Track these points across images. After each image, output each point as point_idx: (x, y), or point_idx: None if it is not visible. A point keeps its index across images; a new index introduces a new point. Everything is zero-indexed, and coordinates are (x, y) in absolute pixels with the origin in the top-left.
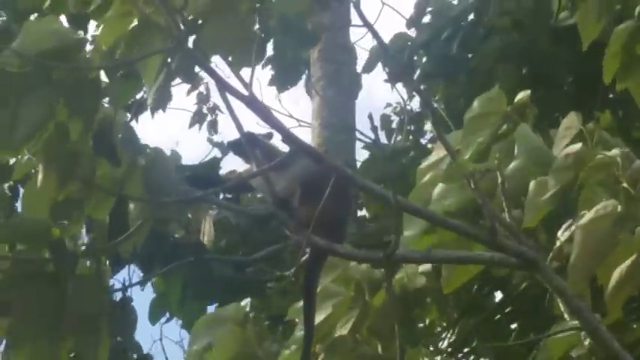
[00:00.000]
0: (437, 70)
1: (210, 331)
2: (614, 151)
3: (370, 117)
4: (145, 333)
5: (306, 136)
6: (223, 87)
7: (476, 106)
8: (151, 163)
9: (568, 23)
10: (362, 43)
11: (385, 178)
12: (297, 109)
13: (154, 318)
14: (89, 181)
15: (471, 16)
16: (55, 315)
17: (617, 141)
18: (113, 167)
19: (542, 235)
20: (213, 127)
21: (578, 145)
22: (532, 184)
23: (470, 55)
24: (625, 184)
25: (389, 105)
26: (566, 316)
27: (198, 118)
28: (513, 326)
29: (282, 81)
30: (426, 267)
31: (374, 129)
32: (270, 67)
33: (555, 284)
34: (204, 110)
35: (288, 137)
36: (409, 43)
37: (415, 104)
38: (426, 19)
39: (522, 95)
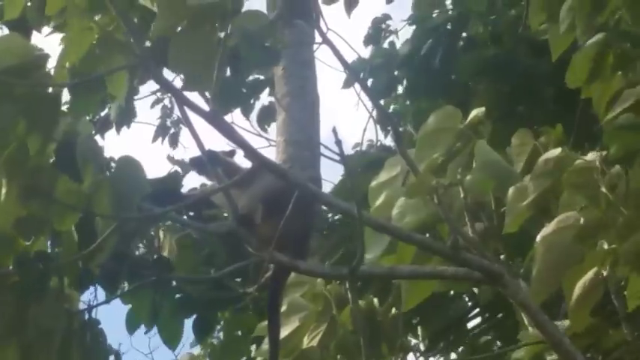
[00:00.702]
0: (420, 86)
1: None
2: (592, 156)
3: (334, 131)
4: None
5: (272, 153)
6: (184, 104)
7: (431, 121)
8: (118, 174)
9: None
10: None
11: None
12: (269, 129)
13: (131, 328)
14: (50, 196)
15: (449, 27)
16: (15, 326)
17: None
18: (75, 182)
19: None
20: (174, 141)
21: (557, 150)
22: (511, 190)
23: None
24: (604, 189)
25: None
26: (530, 328)
27: (161, 132)
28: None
29: (224, 103)
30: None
31: (338, 142)
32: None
33: (519, 298)
34: (168, 124)
35: (251, 153)
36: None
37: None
38: (408, 33)
39: (476, 112)
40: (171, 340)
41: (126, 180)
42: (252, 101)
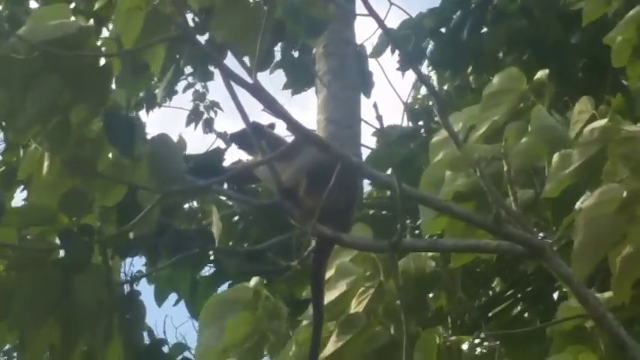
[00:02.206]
0: (445, 58)
1: (221, 312)
2: (638, 126)
3: (375, 106)
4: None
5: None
6: (228, 75)
7: (495, 82)
8: (157, 150)
9: (577, 7)
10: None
11: (393, 164)
12: (299, 110)
13: (160, 299)
14: (93, 169)
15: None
16: (62, 304)
17: (628, 124)
18: (125, 157)
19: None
20: (208, 125)
21: (603, 121)
22: (556, 156)
23: (478, 42)
24: None
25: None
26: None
27: (194, 117)
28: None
29: (296, 83)
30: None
31: (379, 117)
32: (279, 71)
33: (561, 272)
34: (201, 108)
35: (294, 126)
36: (416, 31)
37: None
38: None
39: (541, 74)
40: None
41: (164, 155)
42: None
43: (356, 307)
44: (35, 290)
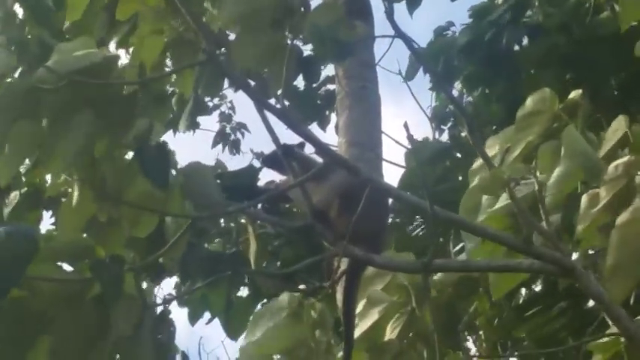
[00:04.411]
0: (480, 73)
1: (266, 321)
2: None
3: (406, 126)
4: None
5: None
6: (255, 100)
7: (528, 103)
8: (191, 178)
9: (613, 27)
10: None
11: (427, 184)
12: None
13: (193, 319)
14: (119, 198)
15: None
16: (98, 335)
17: None
18: (160, 189)
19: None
20: (235, 146)
21: (626, 156)
22: (585, 197)
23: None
24: None
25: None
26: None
27: (221, 138)
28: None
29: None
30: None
31: (410, 137)
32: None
33: (592, 290)
34: (228, 130)
35: (323, 149)
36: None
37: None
38: (465, 19)
39: (574, 94)
40: (235, 332)
41: (199, 183)
42: (327, 113)
43: (390, 334)
44: (74, 323)
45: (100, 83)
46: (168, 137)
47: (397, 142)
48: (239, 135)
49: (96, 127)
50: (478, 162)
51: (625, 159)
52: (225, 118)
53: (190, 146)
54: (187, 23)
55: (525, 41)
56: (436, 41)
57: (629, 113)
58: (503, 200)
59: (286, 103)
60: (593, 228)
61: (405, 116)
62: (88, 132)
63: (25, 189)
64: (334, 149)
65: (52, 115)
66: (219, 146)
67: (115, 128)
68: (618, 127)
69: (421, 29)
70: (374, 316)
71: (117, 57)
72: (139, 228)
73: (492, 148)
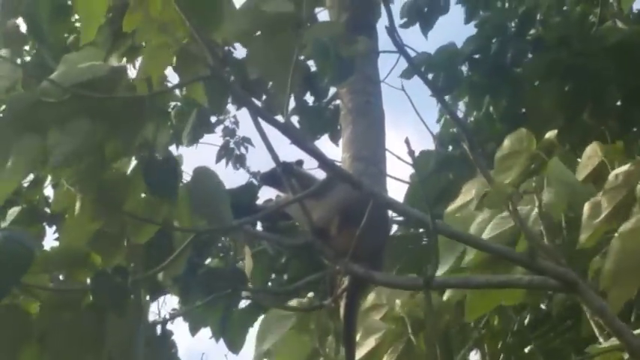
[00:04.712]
0: (485, 83)
1: (274, 330)
2: None
3: (407, 142)
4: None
5: None
6: (258, 114)
7: (506, 144)
8: (199, 185)
9: (615, 40)
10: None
11: (431, 198)
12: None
13: (193, 330)
14: (126, 211)
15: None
16: (93, 346)
17: None
18: (169, 202)
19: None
20: (239, 161)
21: (626, 165)
22: (586, 206)
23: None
24: None
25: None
26: (600, 339)
27: (224, 153)
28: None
29: (311, 130)
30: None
31: (411, 153)
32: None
33: (595, 305)
34: (232, 144)
35: (326, 164)
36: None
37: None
38: (471, 31)
39: (550, 134)
40: (236, 345)
41: (206, 190)
42: (339, 127)
43: None
44: (70, 332)
45: (104, 96)
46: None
47: (399, 157)
48: (243, 150)
49: (96, 132)
50: (454, 204)
51: (625, 168)
52: (229, 132)
53: (194, 161)
54: (192, 36)
55: (530, 55)
56: (440, 51)
57: (633, 124)
58: (500, 217)
59: (295, 117)
60: (596, 237)
61: (410, 134)
62: (88, 134)
63: (24, 205)
64: (338, 164)
65: (56, 127)
66: (223, 161)
67: (121, 138)
68: (592, 153)
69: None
70: (371, 343)
71: (124, 68)
72: (139, 235)
73: (468, 193)
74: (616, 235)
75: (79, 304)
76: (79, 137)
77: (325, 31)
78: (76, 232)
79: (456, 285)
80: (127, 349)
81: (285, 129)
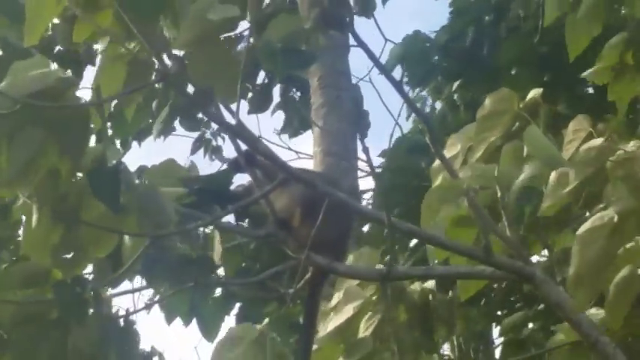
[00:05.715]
0: (460, 71)
1: (230, 350)
2: (634, 145)
3: (365, 151)
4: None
5: (308, 165)
6: (212, 119)
7: (487, 104)
8: (146, 197)
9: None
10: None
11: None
12: (296, 140)
13: (169, 320)
14: (83, 221)
15: (490, 16)
16: (58, 354)
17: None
18: (113, 211)
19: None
20: (216, 153)
21: (599, 140)
22: (553, 175)
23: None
24: None
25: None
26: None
27: (200, 144)
28: None
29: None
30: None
31: (365, 150)
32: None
33: (552, 298)
34: (208, 135)
35: (279, 165)
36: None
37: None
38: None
39: (534, 93)
40: (210, 333)
41: (154, 202)
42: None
43: (364, 331)
44: (32, 345)
45: (53, 106)
46: (149, 143)
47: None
48: (220, 141)
49: (46, 142)
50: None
51: (598, 142)
52: (205, 123)
53: (169, 153)
54: (142, 44)
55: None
56: (411, 39)
57: (605, 112)
58: (464, 206)
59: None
60: (557, 207)
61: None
62: (40, 145)
63: None
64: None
65: (5, 137)
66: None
67: (70, 151)
68: (579, 126)
69: None
70: (349, 311)
71: (71, 78)
72: (99, 248)
73: (454, 147)
74: (577, 234)
75: (43, 317)
76: (31, 149)
77: (283, 26)
78: (36, 244)
79: (417, 275)
80: (91, 353)
81: (237, 132)
